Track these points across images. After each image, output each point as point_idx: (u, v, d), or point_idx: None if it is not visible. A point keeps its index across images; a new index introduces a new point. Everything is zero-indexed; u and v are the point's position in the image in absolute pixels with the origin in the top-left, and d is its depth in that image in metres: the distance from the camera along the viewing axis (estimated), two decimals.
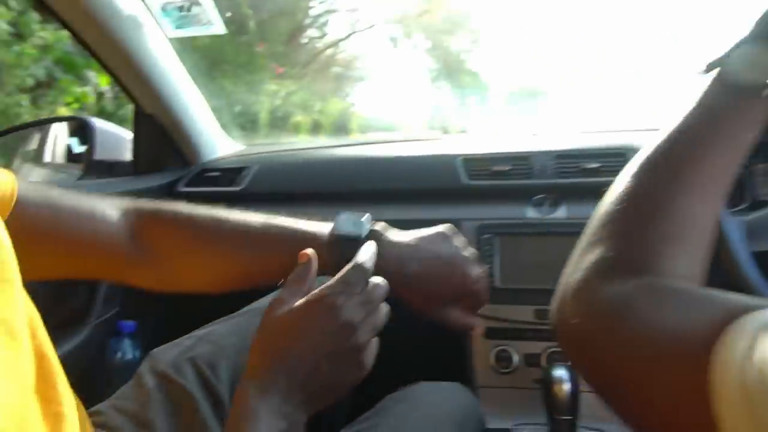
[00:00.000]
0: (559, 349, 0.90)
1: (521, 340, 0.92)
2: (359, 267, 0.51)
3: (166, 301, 1.15)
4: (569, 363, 0.89)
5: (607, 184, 0.99)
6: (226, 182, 1.13)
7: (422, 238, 0.61)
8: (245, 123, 4.32)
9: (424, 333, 1.13)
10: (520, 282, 0.93)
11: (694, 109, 0.41)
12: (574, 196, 0.97)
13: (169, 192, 1.13)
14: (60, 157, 1.32)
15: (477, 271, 0.62)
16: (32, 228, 0.52)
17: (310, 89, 5.12)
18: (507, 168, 1.02)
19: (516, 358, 0.91)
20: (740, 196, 0.94)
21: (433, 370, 0.78)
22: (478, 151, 1.06)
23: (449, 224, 0.64)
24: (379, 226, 0.61)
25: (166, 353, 0.71)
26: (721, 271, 0.71)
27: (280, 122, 4.53)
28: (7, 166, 1.48)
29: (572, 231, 0.92)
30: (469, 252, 0.63)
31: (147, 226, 0.60)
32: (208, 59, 4.17)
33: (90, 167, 1.12)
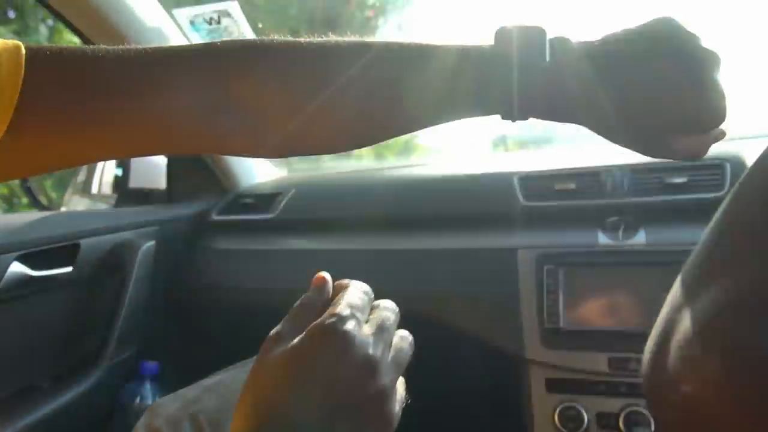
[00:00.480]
0: (641, 409, 0.72)
1: (593, 395, 0.75)
2: (358, 284, 0.39)
3: (192, 339, 1.10)
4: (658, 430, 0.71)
5: (698, 203, 0.81)
6: (261, 209, 1.06)
7: (629, 41, 0.38)
8: None
9: (471, 384, 0.99)
10: (590, 323, 0.77)
11: None
12: (655, 218, 0.81)
13: (202, 221, 1.08)
14: (107, 187, 1.31)
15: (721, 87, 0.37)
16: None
17: None
18: (572, 186, 0.87)
19: (586, 418, 0.74)
20: None
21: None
22: (537, 168, 0.92)
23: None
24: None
25: (168, 405, 0.62)
26: None
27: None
28: (61, 197, 1.50)
29: (655, 261, 0.78)
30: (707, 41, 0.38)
31: (234, 81, 0.39)
32: None
33: (125, 195, 1.09)
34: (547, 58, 0.37)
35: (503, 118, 0.40)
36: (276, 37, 0.39)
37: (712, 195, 0.80)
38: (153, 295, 0.98)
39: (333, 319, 0.34)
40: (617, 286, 0.78)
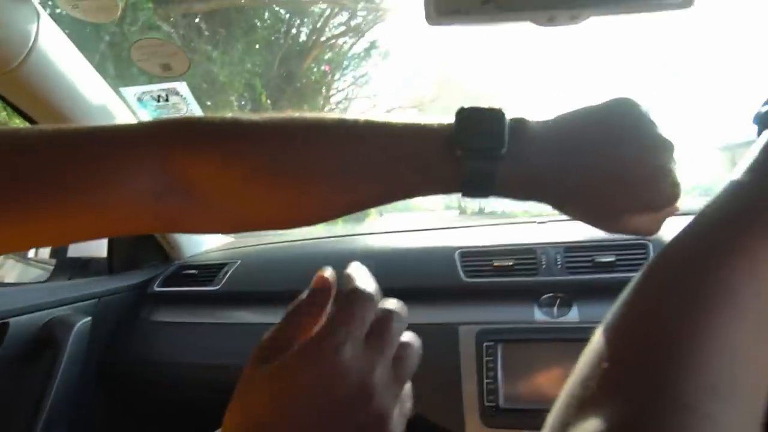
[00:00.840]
0: None
1: None
2: (362, 292, 0.34)
3: (128, 419, 1.04)
4: None
5: (625, 281, 0.86)
6: (205, 281, 1.04)
7: (587, 124, 0.39)
8: None
9: None
10: (528, 400, 0.78)
11: (745, 178, 0.30)
12: (587, 295, 0.85)
13: (142, 292, 1.05)
14: (45, 253, 1.26)
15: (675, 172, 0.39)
16: None
17: None
18: (510, 263, 0.91)
19: None
20: None
21: None
22: (477, 243, 0.95)
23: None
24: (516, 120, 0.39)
25: None
26: None
27: None
28: None
29: (587, 336, 0.81)
30: (663, 128, 0.39)
31: (180, 162, 0.37)
32: None
33: (63, 264, 1.05)
34: (505, 144, 0.36)
35: (463, 195, 0.39)
36: (227, 113, 0.39)
37: (636, 273, 0.85)
38: (87, 374, 0.94)
39: (326, 341, 0.31)
40: (553, 362, 0.81)
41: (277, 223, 0.41)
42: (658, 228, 0.42)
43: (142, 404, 1.04)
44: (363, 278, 0.35)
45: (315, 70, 5.67)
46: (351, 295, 0.33)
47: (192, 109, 0.94)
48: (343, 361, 0.31)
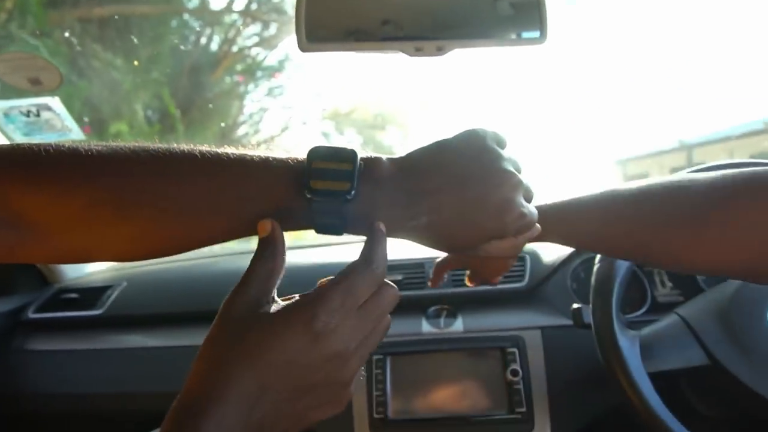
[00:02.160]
0: None
1: None
2: (368, 269, 0.36)
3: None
4: None
5: (505, 292, 0.91)
6: (87, 305, 0.99)
7: (434, 164, 0.40)
8: None
9: None
10: (417, 411, 0.81)
11: None
12: (470, 306, 0.90)
13: (14, 320, 0.97)
14: None
15: (522, 202, 0.42)
16: None
17: None
18: (399, 277, 0.94)
19: None
20: (642, 296, 0.89)
21: None
22: None
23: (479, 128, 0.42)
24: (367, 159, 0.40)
25: None
26: (618, 392, 0.63)
27: None
28: None
29: (470, 346, 0.86)
30: (511, 158, 0.42)
31: (12, 193, 0.36)
32: None
33: None
34: (354, 187, 0.37)
35: (317, 233, 0.39)
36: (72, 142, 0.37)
37: (515, 285, 0.91)
38: None
39: (315, 308, 0.33)
40: (439, 372, 0.84)
41: (120, 255, 0.41)
42: (518, 251, 0.47)
43: None
44: (379, 253, 0.37)
45: (227, 80, 5.54)
46: (358, 267, 0.36)
47: (67, 125, 0.89)
48: (330, 331, 0.33)
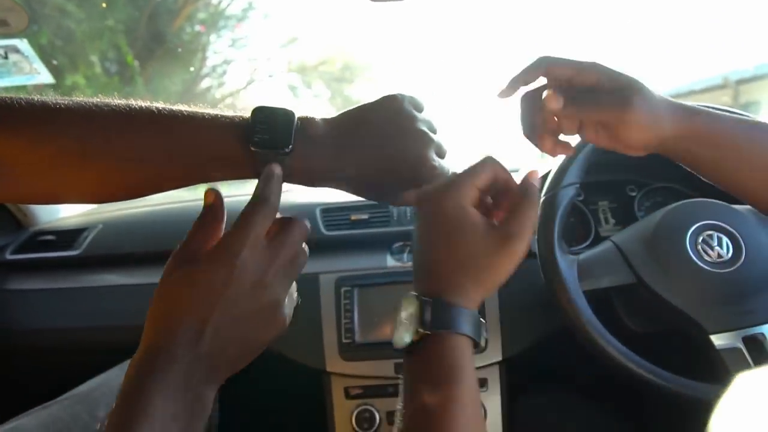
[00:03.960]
0: None
1: (383, 397, 0.87)
2: (263, 205, 0.40)
3: None
4: None
5: None
6: (63, 246, 1.02)
7: (358, 123, 0.47)
8: None
9: (280, 397, 1.07)
10: (380, 335, 0.89)
11: None
12: None
13: None
14: None
15: (436, 156, 0.49)
16: None
17: None
18: (365, 216, 1.00)
19: (378, 417, 0.86)
20: (586, 232, 0.98)
21: None
22: (336, 200, 1.03)
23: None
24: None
25: None
26: (558, 310, 0.72)
27: None
28: None
29: None
30: (426, 119, 0.49)
31: None
32: None
33: None
34: (291, 142, 0.43)
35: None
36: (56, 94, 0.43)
37: None
38: None
39: (224, 248, 0.39)
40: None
41: (85, 197, 0.47)
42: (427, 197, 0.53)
43: (3, 374, 1.01)
44: (269, 189, 0.41)
45: (188, 30, 5.33)
46: (254, 205, 0.40)
47: (36, 67, 0.90)
48: (243, 261, 0.38)
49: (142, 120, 0.43)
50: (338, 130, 0.47)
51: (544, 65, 0.51)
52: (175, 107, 0.45)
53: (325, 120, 0.47)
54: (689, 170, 0.54)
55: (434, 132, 0.49)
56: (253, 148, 0.43)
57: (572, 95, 0.50)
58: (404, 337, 0.41)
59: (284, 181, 0.44)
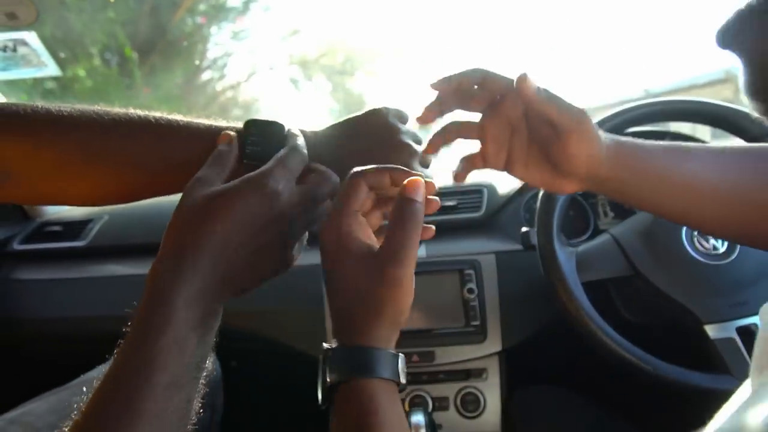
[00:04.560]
0: (421, 392, 0.88)
1: None
2: (297, 151, 0.43)
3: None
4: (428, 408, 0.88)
5: (464, 221, 1.00)
6: (70, 237, 1.04)
7: (347, 125, 0.51)
8: None
9: (285, 384, 1.09)
10: None
11: None
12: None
13: (1, 252, 1.02)
14: None
15: (406, 136, 0.51)
16: None
17: None
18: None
19: None
20: (585, 225, 1.00)
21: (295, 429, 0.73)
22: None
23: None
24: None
25: None
26: (557, 301, 0.73)
27: None
28: None
29: (432, 269, 0.95)
30: (410, 132, 0.52)
31: None
32: (94, 102, 3.94)
33: None
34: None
35: None
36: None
37: (473, 215, 1.00)
38: None
39: (265, 174, 0.40)
40: None
41: (85, 200, 0.49)
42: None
43: (9, 360, 1.03)
44: (301, 141, 0.45)
45: (189, 22, 5.32)
46: (290, 151, 0.43)
47: (44, 60, 0.91)
48: (274, 194, 0.40)
49: (140, 128, 0.46)
50: (326, 142, 0.50)
51: (478, 75, 0.49)
52: (172, 116, 0.47)
53: (314, 132, 0.50)
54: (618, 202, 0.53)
55: (419, 143, 0.52)
56: (245, 160, 0.45)
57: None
58: (318, 390, 0.40)
59: None
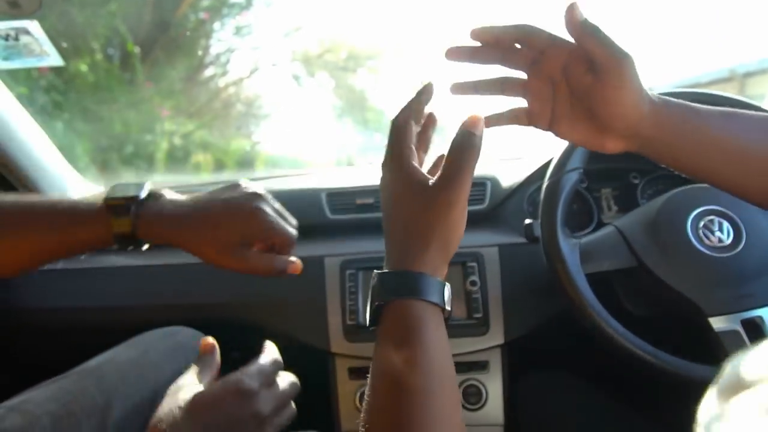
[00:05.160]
0: None
1: None
2: (275, 359, 0.52)
3: None
4: None
5: (467, 213, 1.00)
6: None
7: (208, 192, 0.56)
8: (140, 164, 4.08)
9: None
10: None
11: None
12: None
13: None
14: None
15: (270, 210, 0.56)
16: None
17: (212, 128, 4.97)
18: (371, 201, 1.01)
19: None
20: (589, 219, 0.99)
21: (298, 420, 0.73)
22: (342, 185, 1.04)
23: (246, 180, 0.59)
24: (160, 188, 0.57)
25: None
26: (560, 293, 0.73)
27: (179, 162, 4.33)
28: None
29: None
30: (267, 200, 0.57)
31: None
32: (96, 97, 3.93)
33: None
34: (142, 195, 0.53)
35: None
36: None
37: (476, 207, 1.00)
38: None
39: (245, 378, 0.48)
40: None
41: None
42: (278, 263, 0.58)
43: (8, 348, 1.03)
44: (275, 353, 0.54)
45: (192, 17, 5.31)
46: (269, 359, 0.52)
47: (46, 49, 0.91)
48: (251, 396, 0.47)
49: (34, 213, 0.53)
50: (182, 206, 0.54)
51: (521, 31, 0.48)
52: (49, 200, 0.54)
53: (171, 200, 0.55)
54: (664, 165, 0.51)
55: (280, 216, 0.58)
56: (107, 200, 0.52)
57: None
58: (367, 311, 0.42)
59: (127, 243, 0.53)
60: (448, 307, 0.41)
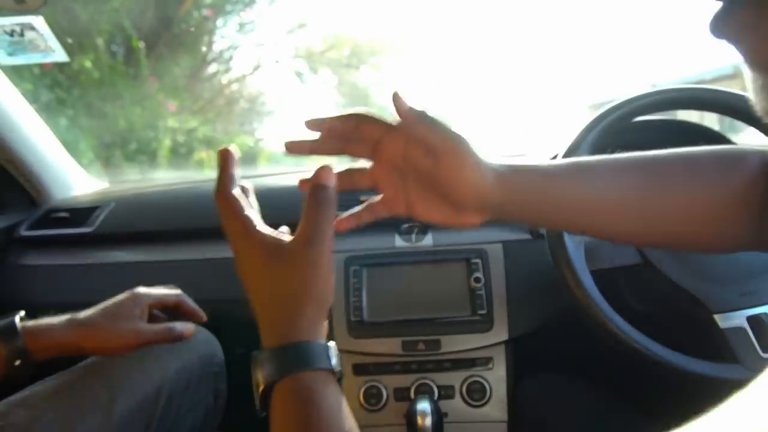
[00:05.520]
0: (427, 381, 0.88)
1: (390, 374, 0.89)
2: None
3: None
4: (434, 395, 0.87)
5: None
6: (77, 223, 1.04)
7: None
8: (144, 160, 4.09)
9: None
10: (388, 314, 0.90)
11: None
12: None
13: (8, 237, 1.02)
14: None
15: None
16: None
17: (215, 124, 4.98)
18: (377, 198, 1.01)
19: (385, 393, 0.88)
20: None
21: None
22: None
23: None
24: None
25: None
26: (565, 290, 0.73)
27: (182, 159, 4.34)
28: None
29: (439, 258, 0.95)
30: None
31: None
32: (100, 93, 3.94)
33: None
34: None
35: None
36: None
37: None
38: None
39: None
40: (410, 281, 0.93)
41: None
42: (174, 329, 0.69)
43: None
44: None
45: (195, 14, 5.31)
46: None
47: (51, 45, 0.91)
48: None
49: None
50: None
51: (352, 120, 0.48)
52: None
53: (67, 318, 0.68)
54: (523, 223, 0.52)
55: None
56: None
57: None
58: (256, 399, 0.40)
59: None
60: (337, 368, 0.40)
